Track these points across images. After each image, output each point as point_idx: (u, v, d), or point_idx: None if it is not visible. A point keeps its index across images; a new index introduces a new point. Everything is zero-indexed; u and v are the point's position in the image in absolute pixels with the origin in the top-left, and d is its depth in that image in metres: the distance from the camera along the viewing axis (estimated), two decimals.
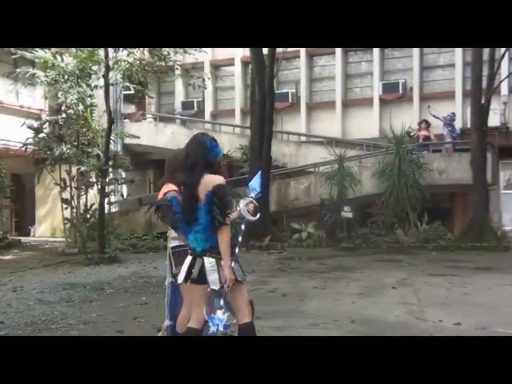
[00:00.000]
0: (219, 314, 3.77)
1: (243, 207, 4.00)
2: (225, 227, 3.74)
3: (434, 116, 16.82)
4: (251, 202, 4.07)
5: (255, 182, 4.25)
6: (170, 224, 4.18)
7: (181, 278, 3.91)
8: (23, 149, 14.12)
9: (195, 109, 21.48)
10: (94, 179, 13.33)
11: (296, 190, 16.90)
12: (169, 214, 3.98)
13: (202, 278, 3.79)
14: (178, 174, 4.55)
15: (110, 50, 12.19)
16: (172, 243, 4.68)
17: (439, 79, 18.85)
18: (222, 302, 3.82)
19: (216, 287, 3.76)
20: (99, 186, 12.89)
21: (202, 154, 3.85)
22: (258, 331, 5.46)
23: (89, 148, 13.71)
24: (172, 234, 4.61)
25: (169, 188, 4.60)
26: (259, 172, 4.49)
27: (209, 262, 3.79)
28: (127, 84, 13.97)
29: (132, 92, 16.85)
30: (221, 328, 3.70)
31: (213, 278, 3.77)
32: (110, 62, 12.07)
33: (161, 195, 4.58)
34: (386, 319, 6.10)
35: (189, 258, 3.90)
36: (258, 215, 4.14)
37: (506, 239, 14.34)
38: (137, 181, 16.44)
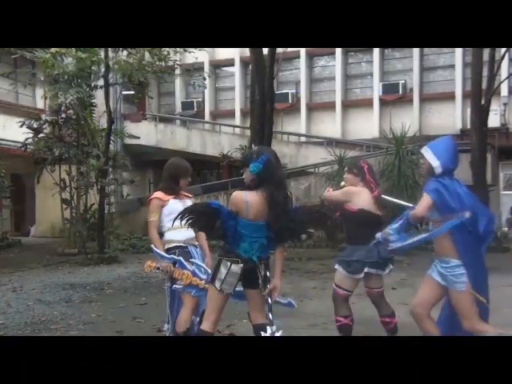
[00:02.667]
0: (274, 330, 3.81)
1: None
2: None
3: None
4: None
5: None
6: (208, 233, 4.10)
7: (231, 288, 3.84)
8: (23, 149, 14.11)
9: (195, 109, 21.49)
10: (93, 179, 13.32)
11: (296, 190, 16.88)
12: (210, 221, 3.81)
13: (252, 284, 3.87)
14: (176, 182, 4.59)
15: (110, 50, 12.19)
16: (170, 244, 4.61)
17: (439, 80, 18.87)
18: (270, 316, 3.88)
19: (265, 291, 3.83)
20: (99, 186, 12.88)
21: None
22: None
23: (89, 148, 13.69)
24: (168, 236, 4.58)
25: (156, 195, 4.59)
26: None
27: (262, 268, 3.85)
28: (127, 84, 13.97)
29: (132, 92, 16.86)
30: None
31: (264, 283, 3.85)
32: (110, 62, 12.06)
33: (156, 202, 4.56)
34: None
35: (236, 267, 3.80)
36: None
37: (506, 240, 14.34)
38: (137, 181, 16.44)
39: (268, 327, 3.78)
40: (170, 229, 4.52)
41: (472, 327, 3.98)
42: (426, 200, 4.01)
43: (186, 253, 4.56)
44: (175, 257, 4.45)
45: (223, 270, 3.81)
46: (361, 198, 4.69)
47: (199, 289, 4.43)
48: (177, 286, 4.44)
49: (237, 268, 3.79)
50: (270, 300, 3.86)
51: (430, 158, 4.07)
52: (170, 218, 4.29)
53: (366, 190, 4.74)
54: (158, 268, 4.39)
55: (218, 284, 3.81)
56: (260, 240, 3.80)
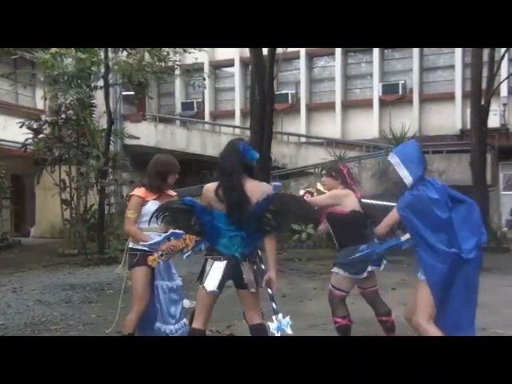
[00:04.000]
0: (281, 317, 3.85)
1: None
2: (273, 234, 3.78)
3: None
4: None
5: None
6: (186, 229, 4.02)
7: (214, 286, 3.77)
8: (23, 149, 14.11)
9: (195, 109, 21.50)
10: (93, 180, 13.32)
11: (296, 190, 16.88)
12: (185, 218, 3.79)
13: (240, 282, 3.82)
14: (164, 179, 4.49)
15: (110, 50, 12.20)
16: (130, 244, 4.56)
17: (439, 80, 18.89)
18: (275, 306, 3.89)
19: (254, 289, 3.78)
20: (99, 187, 12.88)
21: (238, 159, 3.87)
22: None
23: (88, 149, 13.70)
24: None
25: (137, 193, 4.46)
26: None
27: (247, 266, 3.78)
28: (127, 85, 13.97)
29: (132, 93, 16.86)
30: (288, 331, 3.81)
31: (250, 280, 3.77)
32: (110, 63, 12.06)
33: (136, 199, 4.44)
34: None
35: (219, 264, 3.77)
36: None
37: (506, 240, 14.33)
38: (136, 181, 16.41)
39: (273, 316, 3.83)
40: (145, 229, 4.41)
41: (422, 324, 3.85)
42: (392, 216, 4.14)
43: (147, 258, 4.48)
44: (165, 234, 4.25)
45: (207, 269, 3.80)
46: (350, 199, 4.71)
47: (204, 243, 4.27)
48: (187, 254, 4.31)
49: (219, 265, 3.76)
50: (270, 291, 3.87)
51: (400, 168, 3.94)
52: (146, 219, 4.17)
53: (350, 191, 4.74)
54: (162, 255, 4.21)
55: (203, 283, 3.80)
56: (240, 234, 3.75)
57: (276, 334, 3.78)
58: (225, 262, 3.75)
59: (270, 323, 3.81)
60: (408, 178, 3.91)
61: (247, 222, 3.70)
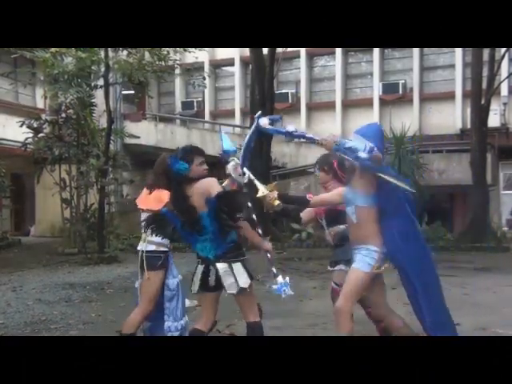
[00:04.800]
0: (280, 279, 3.93)
1: (233, 171, 4.04)
2: (240, 227, 3.81)
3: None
4: (237, 164, 4.11)
5: (226, 144, 4.23)
6: (169, 238, 4.13)
7: (195, 288, 3.90)
8: (23, 148, 14.11)
9: (195, 109, 21.49)
10: (93, 179, 13.32)
11: (296, 190, 16.87)
12: (165, 227, 3.92)
13: (217, 285, 3.83)
14: (164, 177, 4.44)
15: (110, 49, 12.19)
16: (148, 247, 4.52)
17: (439, 80, 18.88)
18: (274, 270, 4.03)
19: (234, 291, 3.79)
20: (99, 186, 12.88)
21: (168, 175, 4.01)
22: None
23: (88, 148, 13.70)
24: (150, 237, 4.41)
25: (161, 195, 4.40)
26: (222, 134, 4.49)
27: (223, 267, 3.79)
28: (127, 84, 13.98)
29: (132, 92, 16.86)
30: (288, 291, 3.90)
31: (229, 282, 3.79)
32: (110, 62, 12.06)
33: (155, 201, 4.38)
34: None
35: (200, 267, 3.88)
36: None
37: (506, 240, 14.34)
38: (136, 181, 16.42)
39: (277, 278, 3.95)
40: None
41: (344, 311, 3.83)
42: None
43: (168, 258, 4.54)
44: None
45: (194, 271, 3.96)
46: None
47: None
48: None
49: (200, 268, 3.89)
50: (269, 255, 4.09)
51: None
52: None
53: None
54: None
55: (194, 288, 3.93)
56: (208, 237, 3.81)
57: (281, 295, 3.89)
58: (203, 265, 3.86)
59: (273, 286, 3.94)
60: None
61: (204, 226, 3.77)
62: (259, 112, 4.56)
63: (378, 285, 3.97)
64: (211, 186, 3.79)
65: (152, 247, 4.50)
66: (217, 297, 3.94)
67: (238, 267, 3.81)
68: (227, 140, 4.36)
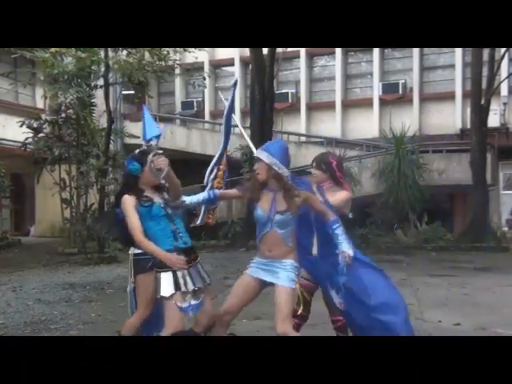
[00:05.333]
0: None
1: (151, 166, 3.75)
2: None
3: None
4: (157, 153, 3.79)
5: (150, 131, 4.00)
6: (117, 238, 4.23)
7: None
8: (23, 148, 14.11)
9: (195, 109, 21.49)
10: (93, 179, 13.32)
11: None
12: (112, 228, 4.02)
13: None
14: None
15: (110, 49, 12.19)
16: (136, 250, 4.44)
17: (439, 80, 18.88)
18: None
19: (167, 294, 3.76)
20: (99, 186, 12.88)
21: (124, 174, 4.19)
22: (257, 331, 5.48)
23: (88, 148, 13.69)
24: None
25: None
26: (144, 112, 4.26)
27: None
28: (127, 84, 13.98)
29: (132, 92, 16.85)
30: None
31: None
32: (110, 62, 12.06)
33: None
34: None
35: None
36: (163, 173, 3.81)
37: (506, 240, 14.34)
38: None
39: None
40: None
41: (288, 331, 3.69)
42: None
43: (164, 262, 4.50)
44: None
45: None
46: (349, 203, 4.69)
47: None
48: None
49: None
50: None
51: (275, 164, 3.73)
52: None
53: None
54: None
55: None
56: None
57: None
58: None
59: None
60: (285, 171, 3.75)
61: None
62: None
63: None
64: (123, 202, 3.83)
65: (140, 250, 4.38)
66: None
67: (160, 276, 3.80)
68: (151, 124, 4.13)
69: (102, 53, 11.90)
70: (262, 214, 3.78)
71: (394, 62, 19.55)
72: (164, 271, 3.77)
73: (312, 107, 20.22)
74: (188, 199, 3.75)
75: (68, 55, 12.01)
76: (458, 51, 17.89)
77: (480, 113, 14.61)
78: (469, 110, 15.87)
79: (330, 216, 3.86)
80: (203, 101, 21.56)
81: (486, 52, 14.55)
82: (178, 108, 21.90)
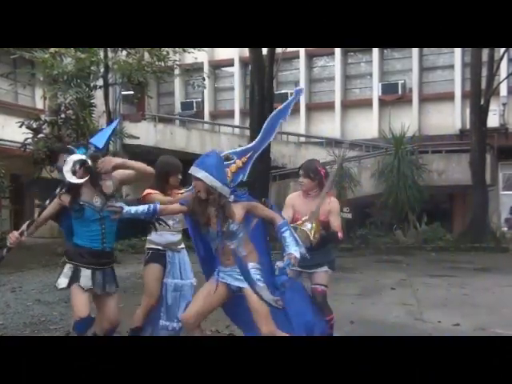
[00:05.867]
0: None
1: (66, 169, 3.66)
2: None
3: None
4: (81, 160, 3.67)
5: (98, 138, 3.89)
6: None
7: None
8: (22, 149, 14.08)
9: (194, 109, 21.48)
10: None
11: (295, 190, 16.84)
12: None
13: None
14: (165, 180, 4.53)
15: (109, 50, 12.19)
16: (149, 245, 4.67)
17: (438, 80, 18.89)
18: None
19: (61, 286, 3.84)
20: None
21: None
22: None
23: None
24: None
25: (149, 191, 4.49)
26: (107, 128, 4.19)
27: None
28: (126, 84, 13.98)
29: (131, 92, 16.85)
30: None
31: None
32: (110, 63, 12.06)
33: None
34: (385, 320, 6.10)
35: None
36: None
37: (505, 240, 14.35)
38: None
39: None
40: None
41: (270, 331, 3.71)
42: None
43: (160, 256, 4.55)
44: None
45: None
46: None
47: None
48: None
49: None
50: None
51: (211, 181, 3.69)
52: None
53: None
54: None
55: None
56: None
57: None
58: None
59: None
60: (224, 189, 3.74)
61: None
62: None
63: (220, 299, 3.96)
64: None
65: (147, 244, 4.66)
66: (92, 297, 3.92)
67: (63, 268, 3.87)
68: (104, 135, 3.96)
69: (101, 53, 11.89)
70: (211, 230, 3.78)
71: (394, 63, 19.56)
72: (69, 263, 3.85)
73: (311, 108, 20.22)
74: (126, 208, 3.65)
75: (67, 56, 12.00)
76: (458, 52, 17.90)
77: (479, 113, 14.62)
78: (468, 111, 15.88)
79: (277, 220, 3.84)
80: (203, 101, 21.55)
81: (485, 52, 14.56)
82: (178, 108, 21.90)
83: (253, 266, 3.79)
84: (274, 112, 4.32)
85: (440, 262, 11.64)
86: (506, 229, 15.98)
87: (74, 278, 3.76)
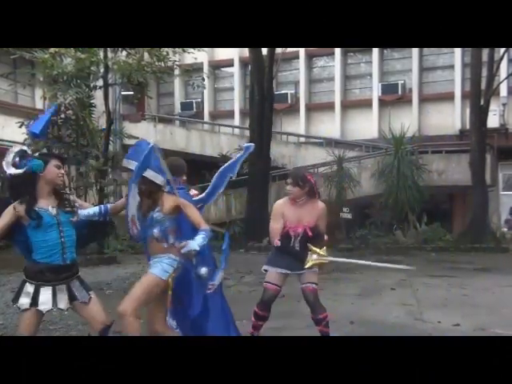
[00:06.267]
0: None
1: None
2: None
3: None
4: (21, 151, 3.62)
5: (35, 125, 3.87)
6: None
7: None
8: None
9: (194, 109, 21.49)
10: (93, 180, 13.31)
11: None
12: None
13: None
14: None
15: (109, 50, 12.18)
16: None
17: (438, 80, 18.90)
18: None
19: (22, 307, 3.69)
20: (98, 187, 12.86)
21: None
22: None
23: (88, 149, 13.67)
24: None
25: None
26: (45, 115, 4.07)
27: None
28: (126, 84, 13.97)
29: (131, 93, 16.85)
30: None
31: None
32: (109, 63, 12.05)
33: None
34: (385, 320, 6.10)
35: None
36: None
37: (505, 240, 14.35)
38: None
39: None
40: None
41: (126, 310, 3.70)
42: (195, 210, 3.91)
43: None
44: None
45: None
46: None
47: None
48: None
49: None
50: None
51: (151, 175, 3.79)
52: None
53: None
54: None
55: None
56: None
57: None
58: None
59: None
60: (158, 177, 3.80)
61: None
62: None
63: (162, 299, 3.93)
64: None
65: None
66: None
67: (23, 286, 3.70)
68: (44, 120, 3.91)
69: (101, 53, 11.89)
70: (142, 218, 3.83)
71: (394, 63, 19.57)
72: (29, 282, 3.63)
73: (311, 108, 20.22)
74: (80, 212, 3.73)
75: (67, 56, 11.99)
76: (458, 52, 17.91)
77: (479, 113, 14.62)
78: (468, 111, 15.88)
79: (202, 226, 3.84)
80: (202, 101, 21.56)
81: (485, 53, 14.56)
82: (178, 109, 21.91)
83: (169, 257, 3.82)
84: (223, 167, 4.60)
85: (440, 262, 11.64)
86: (506, 229, 15.99)
87: (34, 300, 3.58)
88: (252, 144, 4.81)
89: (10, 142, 15.63)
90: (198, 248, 3.69)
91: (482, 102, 14.62)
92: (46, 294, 3.59)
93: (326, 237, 4.60)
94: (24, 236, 3.63)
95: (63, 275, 3.64)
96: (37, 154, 3.95)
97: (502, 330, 5.50)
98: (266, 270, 4.79)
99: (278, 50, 15.82)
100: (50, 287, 3.60)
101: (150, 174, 3.78)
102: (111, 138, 14.02)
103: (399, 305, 6.97)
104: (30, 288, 3.61)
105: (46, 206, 3.62)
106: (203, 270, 3.98)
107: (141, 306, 3.78)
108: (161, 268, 3.79)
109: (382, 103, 18.86)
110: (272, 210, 4.88)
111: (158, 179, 3.80)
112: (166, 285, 3.80)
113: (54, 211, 3.63)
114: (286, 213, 4.67)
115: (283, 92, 19.95)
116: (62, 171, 3.72)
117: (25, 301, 3.60)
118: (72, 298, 3.69)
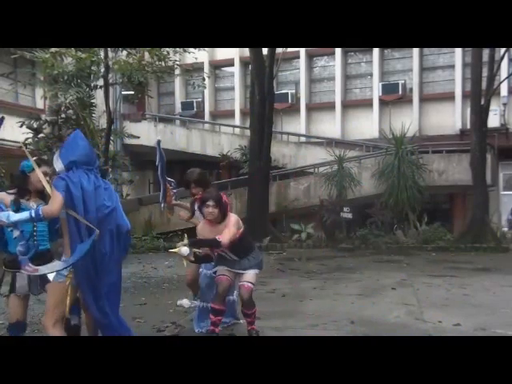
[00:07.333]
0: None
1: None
2: None
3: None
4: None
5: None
6: None
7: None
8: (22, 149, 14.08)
9: (195, 109, 21.48)
10: None
11: (296, 190, 16.89)
12: None
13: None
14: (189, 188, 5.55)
15: (110, 50, 12.18)
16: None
17: (439, 80, 18.88)
18: None
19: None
20: None
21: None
22: (258, 332, 5.47)
23: None
24: None
25: None
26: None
27: None
28: (127, 84, 13.96)
29: (132, 92, 16.84)
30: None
31: None
32: (110, 63, 12.05)
33: None
34: (386, 320, 6.10)
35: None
36: None
37: (506, 240, 14.34)
38: (136, 181, 16.41)
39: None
40: None
41: (47, 326, 3.78)
42: (57, 197, 3.71)
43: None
44: None
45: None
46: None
47: None
48: None
49: None
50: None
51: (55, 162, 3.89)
52: None
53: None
54: None
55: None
56: None
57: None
58: None
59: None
60: (57, 164, 3.84)
61: None
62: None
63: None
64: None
65: None
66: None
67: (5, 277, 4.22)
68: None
69: (101, 53, 11.88)
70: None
71: (394, 63, 19.55)
72: (7, 271, 4.19)
73: (312, 108, 20.22)
74: (11, 218, 3.75)
75: (68, 56, 11.97)
76: (458, 52, 17.90)
77: (480, 113, 14.61)
78: (468, 111, 15.86)
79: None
80: (203, 101, 21.56)
81: (485, 52, 14.55)
82: (178, 108, 21.90)
83: (62, 259, 3.86)
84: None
85: (440, 261, 11.63)
86: (506, 229, 15.98)
87: (12, 287, 4.16)
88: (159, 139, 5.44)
89: (10, 141, 15.70)
90: (4, 219, 3.70)
91: (482, 102, 14.60)
92: (21, 280, 4.15)
93: (225, 241, 4.72)
94: (1, 233, 4.16)
95: (36, 262, 3.91)
96: (35, 158, 4.24)
97: (502, 329, 5.50)
98: (215, 273, 5.14)
99: (279, 50, 15.81)
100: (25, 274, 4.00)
101: (54, 158, 3.92)
102: (112, 138, 14.01)
103: (400, 304, 6.96)
104: (8, 277, 4.19)
105: (28, 202, 4.16)
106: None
107: (60, 316, 3.81)
108: (56, 274, 3.87)
109: (383, 103, 18.86)
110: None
111: (57, 165, 3.89)
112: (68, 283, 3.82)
113: (34, 207, 4.02)
114: (206, 235, 4.91)
115: (284, 92, 19.94)
116: (46, 178, 4.07)
117: (6, 288, 4.24)
118: (44, 283, 4.17)
